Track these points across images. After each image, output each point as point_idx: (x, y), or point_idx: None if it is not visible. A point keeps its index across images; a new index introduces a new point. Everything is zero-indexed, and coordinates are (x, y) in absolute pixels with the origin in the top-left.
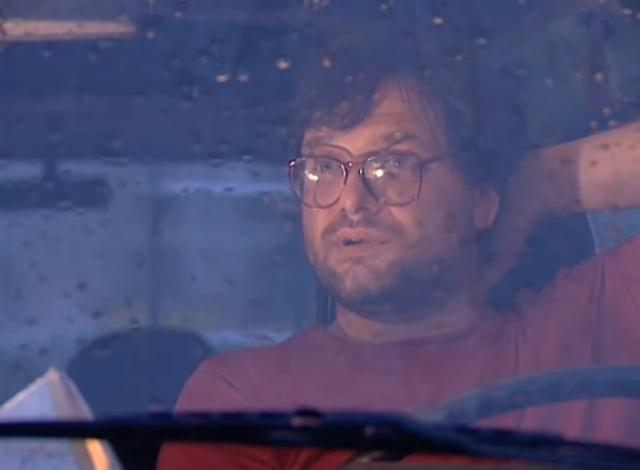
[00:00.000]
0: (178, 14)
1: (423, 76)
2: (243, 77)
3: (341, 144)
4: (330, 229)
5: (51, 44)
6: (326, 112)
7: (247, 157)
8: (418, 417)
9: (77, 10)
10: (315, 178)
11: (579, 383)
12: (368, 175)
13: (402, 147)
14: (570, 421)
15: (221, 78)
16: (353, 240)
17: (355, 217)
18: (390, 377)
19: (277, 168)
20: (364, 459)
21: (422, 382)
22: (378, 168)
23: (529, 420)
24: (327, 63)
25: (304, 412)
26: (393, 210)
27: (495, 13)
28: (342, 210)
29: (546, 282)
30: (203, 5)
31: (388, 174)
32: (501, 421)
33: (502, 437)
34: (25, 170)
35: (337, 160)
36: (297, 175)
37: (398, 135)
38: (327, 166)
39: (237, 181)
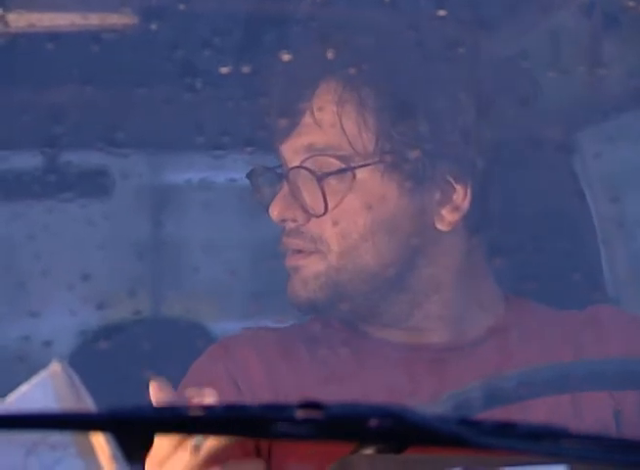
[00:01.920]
0: (181, 5)
1: (352, 80)
2: (245, 69)
3: (282, 155)
4: (282, 237)
5: (54, 36)
6: (274, 123)
7: (249, 148)
8: (421, 409)
9: (80, 1)
10: (268, 188)
11: (584, 375)
12: (295, 187)
13: (323, 157)
14: (574, 413)
15: (224, 70)
16: (293, 249)
17: (288, 228)
18: (394, 369)
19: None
20: (367, 451)
21: (425, 374)
22: (302, 180)
23: (533, 412)
24: (277, 71)
25: (307, 405)
26: (317, 221)
27: (495, 4)
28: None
29: (549, 275)
30: None
31: (309, 186)
32: (505, 413)
33: (505, 429)
34: (28, 162)
35: (272, 171)
36: (259, 183)
37: (319, 145)
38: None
39: (239, 172)
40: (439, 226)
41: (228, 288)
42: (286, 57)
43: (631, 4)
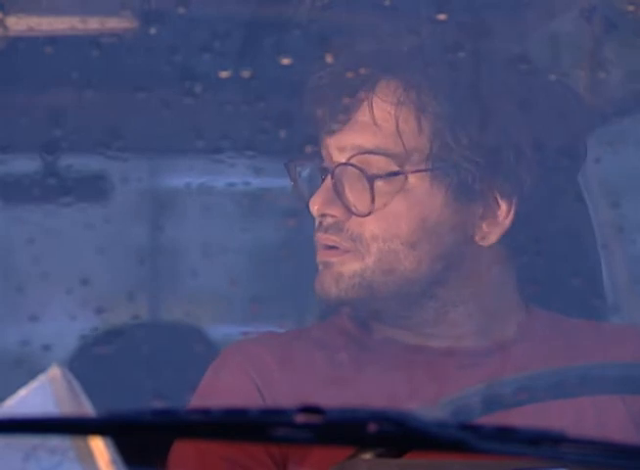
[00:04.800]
0: (180, 9)
1: (413, 83)
2: (245, 73)
3: (327, 149)
4: (316, 230)
5: (53, 39)
6: (321, 113)
7: (249, 153)
8: (421, 414)
9: (80, 5)
10: (309, 179)
11: (583, 380)
12: (339, 183)
13: (372, 157)
14: (573, 418)
15: (224, 74)
16: (326, 245)
17: (326, 223)
18: (394, 374)
19: (279, 164)
20: (366, 456)
21: (425, 379)
22: (346, 177)
23: (533, 417)
24: (329, 62)
25: (307, 409)
26: (359, 220)
27: (496, 8)
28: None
29: (548, 280)
30: (205, 0)
31: (355, 184)
32: (504, 418)
33: (505, 434)
34: (27, 166)
35: (316, 164)
36: (297, 175)
37: (368, 146)
38: (320, 170)
39: (239, 177)
40: (479, 241)
41: (227, 292)
42: (286, 61)
43: (631, 8)
